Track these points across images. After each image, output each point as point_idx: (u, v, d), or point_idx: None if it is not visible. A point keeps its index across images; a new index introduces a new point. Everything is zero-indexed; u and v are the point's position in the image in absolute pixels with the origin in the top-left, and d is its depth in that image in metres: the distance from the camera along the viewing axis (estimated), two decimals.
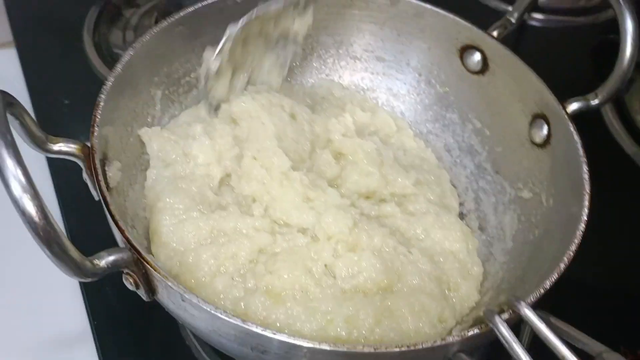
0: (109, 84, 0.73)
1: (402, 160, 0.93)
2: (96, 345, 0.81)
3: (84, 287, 0.85)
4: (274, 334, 0.55)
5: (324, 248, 0.75)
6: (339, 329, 0.66)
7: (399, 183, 0.87)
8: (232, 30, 0.81)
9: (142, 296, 0.63)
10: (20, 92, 1.09)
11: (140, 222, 0.78)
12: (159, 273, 0.58)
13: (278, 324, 0.67)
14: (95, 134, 0.68)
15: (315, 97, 0.99)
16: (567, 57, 1.30)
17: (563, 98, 0.82)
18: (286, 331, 0.66)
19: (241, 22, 0.81)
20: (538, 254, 0.77)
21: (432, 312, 0.72)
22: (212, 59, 0.81)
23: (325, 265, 0.74)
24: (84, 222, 0.89)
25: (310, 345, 0.55)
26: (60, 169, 0.96)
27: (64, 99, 1.09)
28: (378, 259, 0.74)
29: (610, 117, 1.16)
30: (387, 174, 0.87)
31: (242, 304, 0.68)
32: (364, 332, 0.67)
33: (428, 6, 0.93)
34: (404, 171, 0.89)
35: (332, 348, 0.55)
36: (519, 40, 1.32)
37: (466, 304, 0.78)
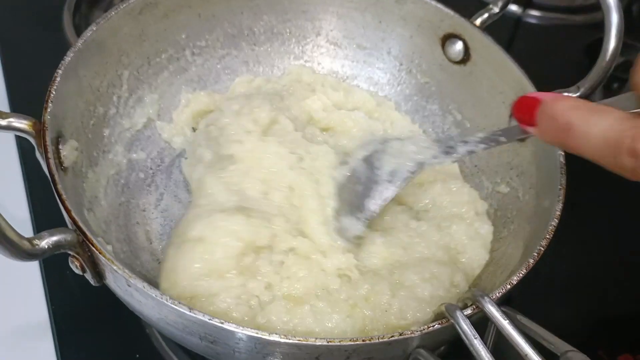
0: (67, 59, 0.70)
1: (392, 132, 0.92)
2: (53, 332, 0.78)
3: (44, 270, 0.82)
4: (221, 322, 0.52)
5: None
6: (365, 311, 0.67)
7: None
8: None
9: (90, 281, 0.60)
10: None
11: (100, 206, 0.75)
12: (104, 256, 0.55)
13: (308, 321, 0.65)
14: (49, 110, 0.65)
15: (281, 84, 0.96)
16: (562, 54, 1.28)
17: (550, 88, 0.80)
18: (317, 329, 0.64)
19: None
20: (510, 250, 0.75)
21: (443, 277, 0.71)
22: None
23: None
24: (49, 205, 0.86)
25: (257, 335, 0.52)
26: (29, 151, 0.93)
27: (40, 81, 1.06)
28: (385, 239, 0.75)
29: None
30: None
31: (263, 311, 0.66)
32: (384, 305, 0.67)
33: None
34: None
35: (283, 339, 0.52)
36: (514, 37, 1.30)
37: (476, 265, 0.77)
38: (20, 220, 0.86)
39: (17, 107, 0.99)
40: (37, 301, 0.80)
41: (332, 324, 0.65)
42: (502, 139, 0.65)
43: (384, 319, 0.67)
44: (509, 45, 1.25)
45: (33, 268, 0.82)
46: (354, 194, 0.75)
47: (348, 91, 0.95)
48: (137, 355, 0.78)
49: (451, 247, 0.78)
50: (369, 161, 0.75)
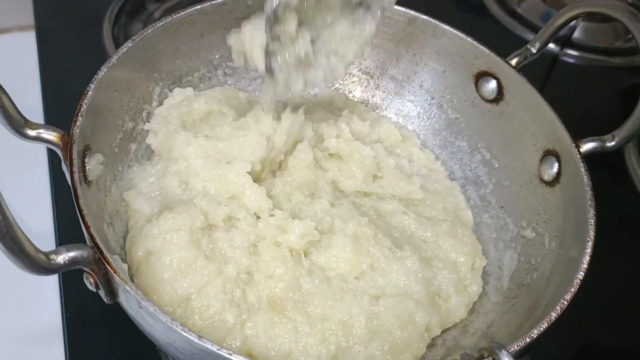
0: (100, 74, 0.71)
1: (407, 169, 0.90)
2: (65, 339, 0.78)
3: (62, 277, 0.82)
4: (230, 354, 0.51)
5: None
6: (339, 339, 0.68)
7: (401, 188, 0.85)
8: None
9: (103, 298, 0.60)
10: (32, 77, 1.07)
11: (121, 221, 0.75)
12: (118, 275, 0.55)
13: (289, 338, 0.67)
14: (78, 123, 0.65)
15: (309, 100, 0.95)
16: (598, 96, 1.25)
17: (585, 134, 0.78)
18: (297, 348, 0.66)
19: None
20: (532, 299, 0.72)
21: (419, 322, 0.71)
22: None
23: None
24: (74, 219, 0.87)
25: None
26: (58, 163, 0.94)
27: (75, 88, 1.07)
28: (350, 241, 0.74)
29: (632, 157, 1.10)
30: (386, 180, 0.86)
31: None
32: (357, 344, 0.69)
33: (447, 27, 0.90)
34: (407, 178, 0.87)
35: None
36: (550, 75, 1.28)
37: (451, 318, 0.76)
38: (44, 233, 0.86)
39: (51, 117, 1.00)
40: (52, 307, 0.81)
41: (309, 346, 0.67)
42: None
43: (356, 355, 0.68)
44: (544, 83, 1.23)
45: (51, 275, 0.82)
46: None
47: (376, 122, 0.94)
48: None
49: (434, 284, 0.76)
50: None
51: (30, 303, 0.82)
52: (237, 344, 0.65)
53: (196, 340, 0.52)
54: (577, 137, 0.78)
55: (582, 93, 1.24)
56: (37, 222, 0.86)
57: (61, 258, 0.54)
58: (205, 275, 0.67)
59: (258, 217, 0.75)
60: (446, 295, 0.77)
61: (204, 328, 0.65)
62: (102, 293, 0.59)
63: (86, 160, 0.67)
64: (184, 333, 0.52)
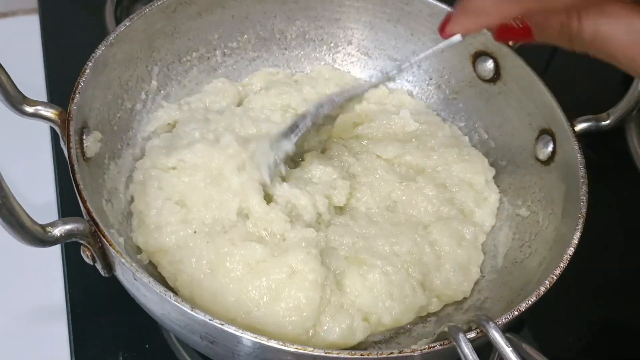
0: (98, 52, 0.72)
1: (393, 111, 0.92)
2: (68, 316, 0.79)
3: (65, 253, 0.84)
4: (222, 324, 0.52)
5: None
6: (416, 269, 0.74)
7: (391, 125, 0.88)
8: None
9: (100, 271, 0.61)
10: (36, 59, 1.09)
11: (119, 198, 0.76)
12: (113, 248, 0.56)
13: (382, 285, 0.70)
14: (75, 100, 0.66)
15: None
16: (597, 78, 1.24)
17: (584, 112, 0.78)
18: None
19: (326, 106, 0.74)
20: (526, 276, 0.73)
21: (469, 236, 0.79)
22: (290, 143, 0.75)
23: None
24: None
25: (256, 339, 0.52)
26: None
27: (77, 69, 1.08)
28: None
29: (633, 134, 1.10)
30: (374, 122, 0.89)
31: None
32: (431, 270, 0.75)
33: (444, 7, 0.89)
34: (394, 114, 0.90)
35: (279, 346, 0.52)
36: (550, 57, 1.27)
37: (485, 226, 0.82)
38: (47, 206, 0.88)
39: (54, 96, 1.01)
40: (56, 284, 0.82)
41: (402, 282, 0.71)
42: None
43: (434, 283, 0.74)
44: (546, 67, 1.23)
45: (54, 251, 0.84)
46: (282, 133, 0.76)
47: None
48: (147, 346, 0.79)
49: (455, 204, 0.82)
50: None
51: (33, 280, 0.84)
52: (352, 310, 0.68)
53: (189, 311, 0.53)
54: (575, 115, 0.78)
55: (581, 75, 1.23)
56: (40, 196, 0.89)
57: (57, 230, 0.55)
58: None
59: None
60: (470, 211, 0.82)
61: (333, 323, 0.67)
62: (98, 266, 0.61)
63: (84, 137, 0.68)
64: (177, 304, 0.53)
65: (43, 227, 0.54)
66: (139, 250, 0.73)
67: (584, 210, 0.68)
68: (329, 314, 0.66)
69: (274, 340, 0.52)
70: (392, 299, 0.69)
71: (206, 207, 0.73)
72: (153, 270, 0.72)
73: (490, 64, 0.89)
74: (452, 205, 0.81)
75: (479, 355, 0.54)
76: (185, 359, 0.78)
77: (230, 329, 0.53)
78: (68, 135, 0.63)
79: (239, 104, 0.91)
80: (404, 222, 0.78)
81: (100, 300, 0.81)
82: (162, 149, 0.79)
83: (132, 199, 0.77)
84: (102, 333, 0.79)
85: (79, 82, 0.68)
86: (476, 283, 0.79)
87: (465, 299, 0.77)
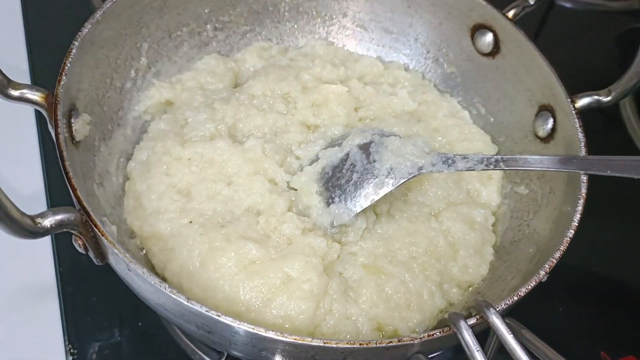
0: (84, 30, 0.69)
1: (390, 91, 0.89)
2: (59, 294, 0.79)
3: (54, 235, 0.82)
4: (218, 315, 0.52)
5: None
6: (433, 267, 0.72)
7: (390, 105, 0.87)
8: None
9: (93, 260, 0.60)
10: (17, 37, 1.04)
11: (111, 181, 0.74)
12: (106, 238, 0.54)
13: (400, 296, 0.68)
14: (62, 82, 0.64)
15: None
16: (594, 42, 1.23)
17: (581, 85, 0.76)
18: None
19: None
20: (523, 256, 0.73)
21: (480, 219, 0.78)
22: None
23: None
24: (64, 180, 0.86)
25: (254, 330, 0.51)
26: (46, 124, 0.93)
27: (62, 47, 1.04)
28: None
29: (629, 111, 1.08)
30: (374, 105, 0.87)
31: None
32: (448, 260, 0.74)
33: None
34: (392, 95, 0.88)
35: (279, 337, 0.52)
36: (545, 20, 1.25)
37: (490, 209, 0.81)
38: (35, 195, 0.86)
39: (37, 75, 0.98)
40: (46, 262, 0.81)
41: (420, 288, 0.70)
42: (502, 165, 0.68)
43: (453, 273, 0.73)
44: (539, 29, 1.20)
45: None
46: (346, 180, 0.73)
47: (356, 60, 0.93)
48: (140, 323, 0.78)
49: (461, 185, 0.81)
50: (366, 151, 0.73)
51: (24, 259, 0.82)
52: (361, 319, 0.66)
53: (185, 302, 0.52)
54: (573, 86, 0.76)
55: (578, 38, 1.22)
56: (27, 185, 0.86)
57: (47, 221, 0.54)
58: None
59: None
60: (475, 191, 0.82)
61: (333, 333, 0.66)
62: (91, 254, 0.59)
63: (73, 120, 0.66)
64: (172, 295, 0.52)
65: (33, 218, 0.52)
66: (132, 234, 0.71)
67: (584, 190, 0.67)
68: (331, 325, 0.65)
69: (272, 331, 0.52)
70: (410, 308, 0.68)
71: (210, 200, 0.71)
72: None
73: (489, 37, 0.86)
74: (459, 188, 0.80)
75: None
76: (179, 335, 0.77)
77: (227, 320, 0.52)
78: (56, 120, 0.61)
79: (236, 86, 0.88)
80: (417, 214, 0.76)
81: (91, 278, 0.80)
82: (171, 134, 0.77)
83: (125, 178, 0.76)
84: (94, 310, 0.78)
85: (65, 62, 0.66)
86: None
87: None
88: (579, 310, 0.88)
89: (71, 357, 0.75)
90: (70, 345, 0.76)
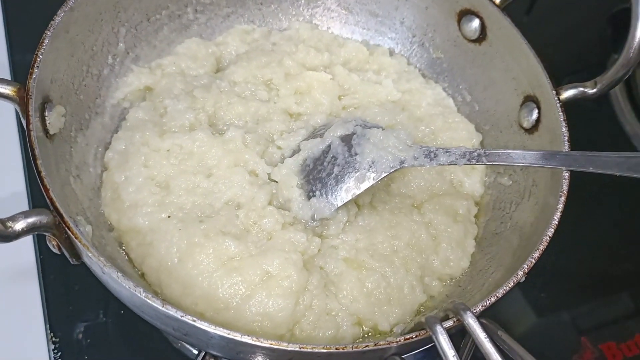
0: (57, 19, 0.67)
1: (374, 79, 0.88)
2: (39, 276, 0.78)
3: None
4: (193, 320, 0.51)
5: None
6: (415, 261, 0.72)
7: (374, 94, 0.86)
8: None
9: (69, 260, 0.59)
10: None
11: (89, 172, 0.73)
12: (79, 241, 0.53)
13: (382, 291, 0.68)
14: (34, 75, 0.62)
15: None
16: (584, 23, 1.20)
17: (572, 66, 0.75)
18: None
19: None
20: (504, 249, 0.73)
21: (462, 210, 0.78)
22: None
23: None
24: None
25: (229, 335, 0.51)
26: None
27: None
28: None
29: (619, 97, 1.07)
30: (359, 94, 0.86)
31: None
32: (430, 254, 0.74)
33: None
34: (377, 84, 0.87)
35: (254, 342, 0.51)
36: (535, 1, 1.23)
37: (474, 199, 0.81)
38: (16, 195, 0.84)
39: (18, 70, 0.95)
40: (26, 246, 0.80)
41: (401, 282, 0.70)
42: (484, 159, 0.67)
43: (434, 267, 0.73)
44: (530, 8, 1.18)
45: None
46: (327, 174, 0.72)
47: (341, 45, 0.91)
48: (122, 312, 0.78)
49: (445, 177, 0.81)
50: (348, 143, 0.72)
51: (4, 246, 0.81)
52: (342, 314, 0.66)
53: (160, 307, 0.52)
54: (565, 67, 0.76)
55: (566, 19, 1.20)
56: (8, 185, 0.84)
57: (19, 225, 0.52)
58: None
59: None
60: (459, 181, 0.82)
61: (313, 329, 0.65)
62: (66, 254, 0.58)
63: (46, 113, 0.64)
64: (147, 300, 0.52)
65: (3, 222, 0.51)
66: (110, 227, 0.71)
67: (565, 187, 0.66)
68: (311, 321, 0.65)
69: (247, 336, 0.51)
70: (390, 303, 0.68)
71: (189, 193, 0.70)
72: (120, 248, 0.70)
73: (476, 23, 0.85)
74: (442, 179, 0.79)
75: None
76: None
77: (203, 326, 0.51)
78: (27, 115, 0.59)
79: (217, 70, 0.86)
80: (400, 206, 0.76)
81: (72, 267, 0.79)
82: (150, 124, 0.75)
83: (103, 169, 0.75)
84: (75, 292, 0.78)
85: (37, 54, 0.64)
86: None
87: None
88: (560, 297, 0.89)
89: (53, 346, 0.76)
90: (52, 334, 0.76)
